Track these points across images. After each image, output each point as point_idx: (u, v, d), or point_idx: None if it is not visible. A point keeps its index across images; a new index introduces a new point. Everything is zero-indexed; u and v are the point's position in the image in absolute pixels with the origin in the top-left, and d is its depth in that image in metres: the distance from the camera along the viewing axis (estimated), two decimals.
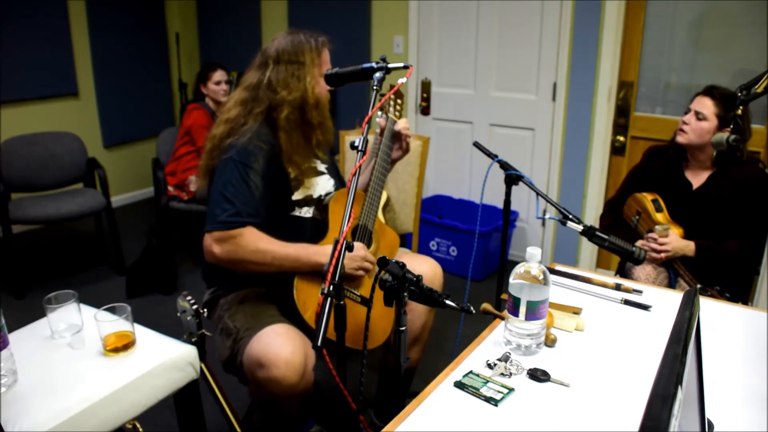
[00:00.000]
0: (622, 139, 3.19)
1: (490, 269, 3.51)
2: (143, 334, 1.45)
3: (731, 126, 1.90)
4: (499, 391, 1.11)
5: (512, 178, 1.74)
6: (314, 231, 1.73)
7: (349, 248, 1.17)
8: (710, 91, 1.95)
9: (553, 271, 1.66)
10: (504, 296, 1.32)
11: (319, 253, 1.61)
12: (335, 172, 1.90)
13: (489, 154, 1.83)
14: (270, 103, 1.66)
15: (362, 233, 1.72)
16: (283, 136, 1.65)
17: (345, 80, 1.45)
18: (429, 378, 1.18)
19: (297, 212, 1.72)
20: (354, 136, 1.45)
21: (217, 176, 1.62)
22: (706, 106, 1.94)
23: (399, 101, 1.91)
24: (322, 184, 1.79)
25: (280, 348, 1.46)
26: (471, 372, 1.18)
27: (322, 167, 1.81)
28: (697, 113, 1.95)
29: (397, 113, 1.89)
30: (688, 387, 0.68)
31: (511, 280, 1.23)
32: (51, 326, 1.40)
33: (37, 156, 3.39)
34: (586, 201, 3.31)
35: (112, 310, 1.35)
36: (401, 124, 1.84)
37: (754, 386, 1.15)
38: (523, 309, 1.21)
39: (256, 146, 1.62)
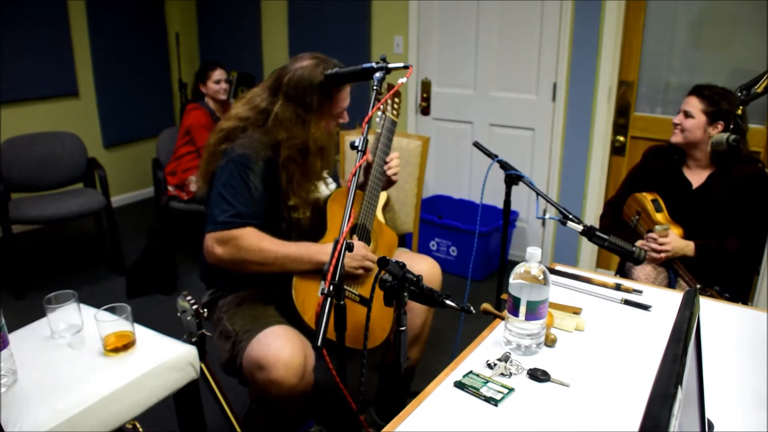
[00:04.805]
0: (622, 139, 3.19)
1: (490, 269, 3.51)
2: (143, 334, 1.45)
3: (722, 121, 1.93)
4: (499, 391, 1.11)
5: (512, 178, 1.74)
6: (311, 230, 1.73)
7: (349, 248, 1.17)
8: (696, 90, 2.00)
9: (553, 271, 1.66)
10: (504, 296, 1.32)
11: (321, 251, 1.61)
12: (334, 175, 1.90)
13: (489, 154, 1.83)
14: (275, 138, 1.63)
15: (361, 232, 1.72)
16: (284, 176, 1.63)
17: (345, 80, 1.45)
18: (429, 378, 1.18)
19: (293, 214, 1.72)
20: (354, 136, 1.45)
21: (217, 178, 1.61)
22: (693, 104, 1.98)
23: (396, 99, 1.91)
24: (322, 190, 1.79)
25: (279, 350, 1.46)
26: (471, 372, 1.18)
27: (322, 183, 1.81)
28: (685, 112, 2.00)
29: (394, 112, 1.89)
30: (688, 387, 0.68)
31: (511, 280, 1.23)
32: (51, 326, 1.40)
33: (37, 156, 3.39)
34: (586, 201, 3.31)
35: (112, 310, 1.35)
36: (393, 168, 1.84)
37: (754, 386, 1.15)
38: (523, 309, 1.21)
39: (257, 150, 1.61)
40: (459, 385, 1.14)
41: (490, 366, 1.20)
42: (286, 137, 1.62)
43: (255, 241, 1.57)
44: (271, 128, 1.63)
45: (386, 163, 1.82)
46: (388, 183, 1.89)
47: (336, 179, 1.92)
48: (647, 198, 2.06)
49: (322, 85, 1.60)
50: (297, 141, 1.63)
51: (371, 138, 1.83)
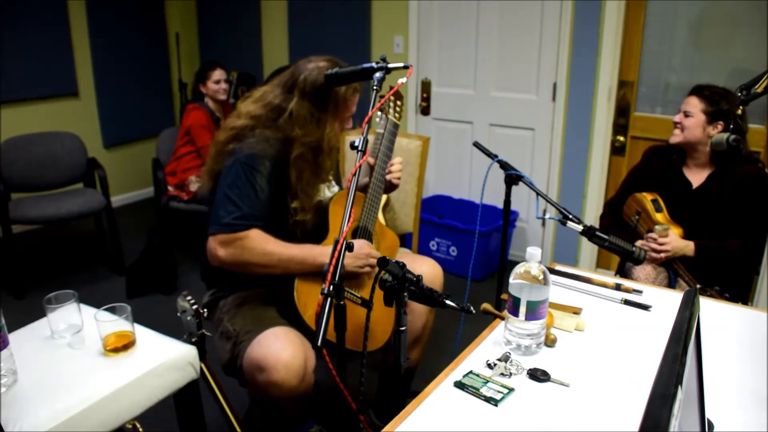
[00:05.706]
0: (622, 139, 3.19)
1: (490, 269, 3.51)
2: (143, 334, 1.45)
3: (722, 121, 1.93)
4: (499, 391, 1.11)
5: (512, 178, 1.74)
6: (313, 233, 1.73)
7: (349, 248, 1.17)
8: (696, 90, 2.01)
9: (553, 271, 1.66)
10: (504, 296, 1.32)
11: (324, 254, 1.60)
12: (337, 177, 1.90)
13: (489, 154, 1.83)
14: (286, 134, 1.63)
15: (362, 234, 1.72)
16: (294, 173, 1.63)
17: (345, 80, 1.45)
18: (429, 378, 1.18)
19: (296, 216, 1.71)
20: (354, 137, 1.44)
21: (223, 178, 1.59)
22: (693, 104, 1.98)
23: (399, 102, 1.91)
24: (325, 193, 1.79)
25: (279, 351, 1.45)
26: (471, 372, 1.18)
27: (326, 187, 1.81)
28: (685, 112, 2.00)
29: (396, 114, 1.89)
30: (688, 387, 0.68)
31: (511, 280, 1.23)
32: (51, 326, 1.40)
33: (37, 156, 3.39)
34: (586, 201, 3.31)
35: (112, 310, 1.35)
36: (395, 172, 1.85)
37: (754, 386, 1.15)
38: (523, 309, 1.21)
39: (265, 150, 1.59)
40: (459, 385, 1.14)
41: (490, 366, 1.20)
42: (300, 134, 1.61)
43: (260, 243, 1.56)
44: (282, 125, 1.62)
45: (388, 166, 1.82)
46: (391, 187, 1.88)
47: (339, 182, 1.92)
48: (647, 198, 2.06)
49: (338, 90, 1.62)
50: (311, 139, 1.62)
51: (371, 138, 1.83)
